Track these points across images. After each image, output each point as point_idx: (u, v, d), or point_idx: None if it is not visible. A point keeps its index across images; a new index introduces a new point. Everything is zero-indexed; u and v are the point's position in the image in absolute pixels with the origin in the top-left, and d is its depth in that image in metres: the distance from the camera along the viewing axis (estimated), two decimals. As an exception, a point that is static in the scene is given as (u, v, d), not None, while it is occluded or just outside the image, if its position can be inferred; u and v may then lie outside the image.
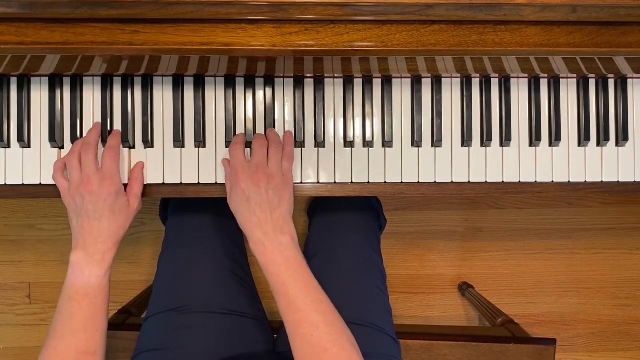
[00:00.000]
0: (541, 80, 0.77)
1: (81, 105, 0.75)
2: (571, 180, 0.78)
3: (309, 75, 0.76)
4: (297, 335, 0.64)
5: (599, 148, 0.78)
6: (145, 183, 0.75)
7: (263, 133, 0.75)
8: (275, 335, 0.87)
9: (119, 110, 0.75)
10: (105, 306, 0.69)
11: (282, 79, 0.76)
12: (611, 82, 0.78)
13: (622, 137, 0.77)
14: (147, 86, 0.75)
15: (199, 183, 0.76)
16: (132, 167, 0.75)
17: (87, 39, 0.61)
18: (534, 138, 0.77)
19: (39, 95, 0.75)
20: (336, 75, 0.76)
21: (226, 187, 0.73)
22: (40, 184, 0.75)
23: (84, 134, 0.75)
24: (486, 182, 0.77)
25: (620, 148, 0.78)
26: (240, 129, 0.76)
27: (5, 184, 0.75)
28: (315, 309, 0.65)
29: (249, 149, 0.74)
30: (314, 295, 0.66)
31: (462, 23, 0.62)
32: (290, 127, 0.76)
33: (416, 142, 0.76)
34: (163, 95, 0.75)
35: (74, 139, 0.75)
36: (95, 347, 0.67)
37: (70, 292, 0.67)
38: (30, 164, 0.75)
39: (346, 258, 0.87)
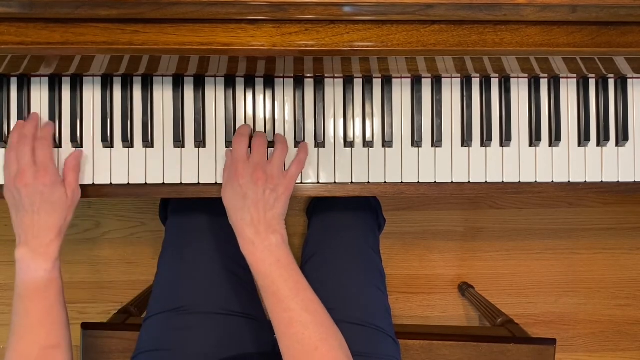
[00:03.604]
0: (541, 80, 0.77)
1: (81, 105, 0.75)
2: (571, 181, 0.78)
3: (309, 75, 0.76)
4: (287, 334, 0.64)
5: (599, 148, 0.78)
6: (145, 182, 0.75)
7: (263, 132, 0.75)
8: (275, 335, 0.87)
9: (119, 110, 0.75)
10: (60, 298, 0.68)
11: (282, 79, 0.76)
12: (611, 82, 0.78)
13: (622, 137, 0.77)
14: (147, 86, 0.75)
15: (198, 183, 0.76)
16: (67, 157, 0.72)
17: (87, 39, 0.61)
18: (534, 138, 0.77)
19: (39, 95, 0.75)
20: (336, 75, 0.76)
21: (223, 176, 0.72)
22: (40, 184, 0.75)
23: (84, 134, 0.75)
24: (486, 182, 0.77)
25: (620, 148, 0.78)
26: (240, 129, 0.76)
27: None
28: (305, 308, 0.65)
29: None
30: (303, 294, 0.66)
31: (462, 23, 0.62)
32: (290, 127, 0.76)
33: (416, 142, 0.76)
34: (163, 95, 0.75)
35: (73, 139, 0.75)
36: (58, 340, 0.65)
37: (20, 290, 0.66)
38: (30, 164, 0.75)
39: (345, 258, 0.87)
